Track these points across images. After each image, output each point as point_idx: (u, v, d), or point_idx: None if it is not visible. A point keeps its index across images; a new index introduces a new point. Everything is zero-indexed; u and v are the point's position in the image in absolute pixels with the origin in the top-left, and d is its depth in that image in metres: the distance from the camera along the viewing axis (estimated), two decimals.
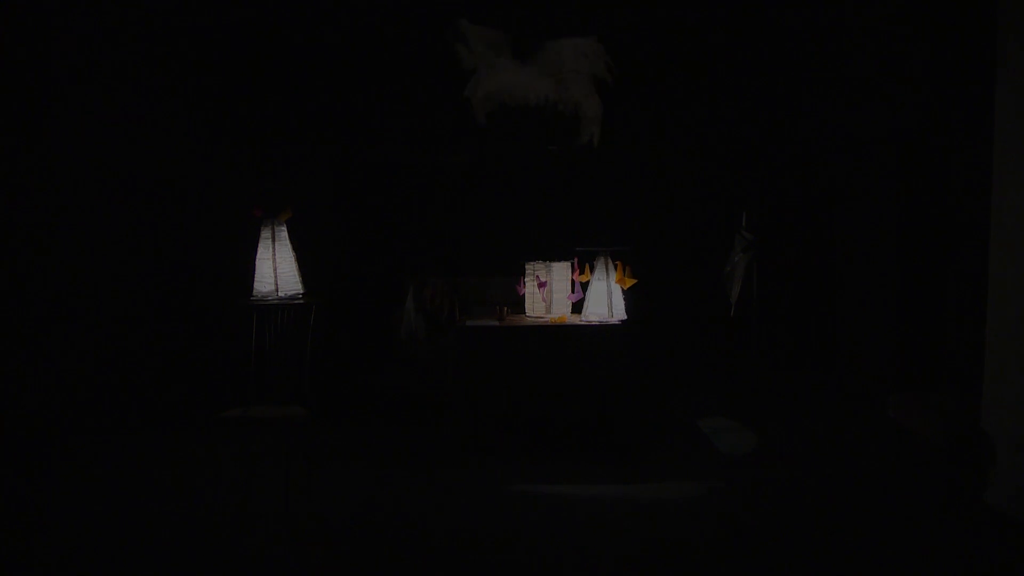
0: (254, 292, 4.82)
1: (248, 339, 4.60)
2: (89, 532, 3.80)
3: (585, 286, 5.16)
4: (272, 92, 6.29)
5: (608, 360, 5.04)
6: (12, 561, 3.51)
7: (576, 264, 5.27)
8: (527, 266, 5.41)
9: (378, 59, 6.33)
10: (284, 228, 4.88)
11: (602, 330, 5.08)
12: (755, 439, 5.26)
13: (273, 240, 4.87)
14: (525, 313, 5.44)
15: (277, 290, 4.80)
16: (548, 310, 5.37)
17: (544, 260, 5.37)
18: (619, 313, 5.14)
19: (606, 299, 5.08)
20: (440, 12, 5.98)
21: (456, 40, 5.83)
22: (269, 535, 3.77)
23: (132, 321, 5.97)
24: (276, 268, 4.82)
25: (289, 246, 4.88)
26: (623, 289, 5.15)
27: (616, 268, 5.10)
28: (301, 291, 4.86)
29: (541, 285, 5.36)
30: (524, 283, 5.40)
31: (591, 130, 5.78)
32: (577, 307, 5.31)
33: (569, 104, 5.57)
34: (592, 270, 5.14)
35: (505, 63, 5.67)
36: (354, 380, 6.21)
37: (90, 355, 5.69)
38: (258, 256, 4.84)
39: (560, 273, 5.33)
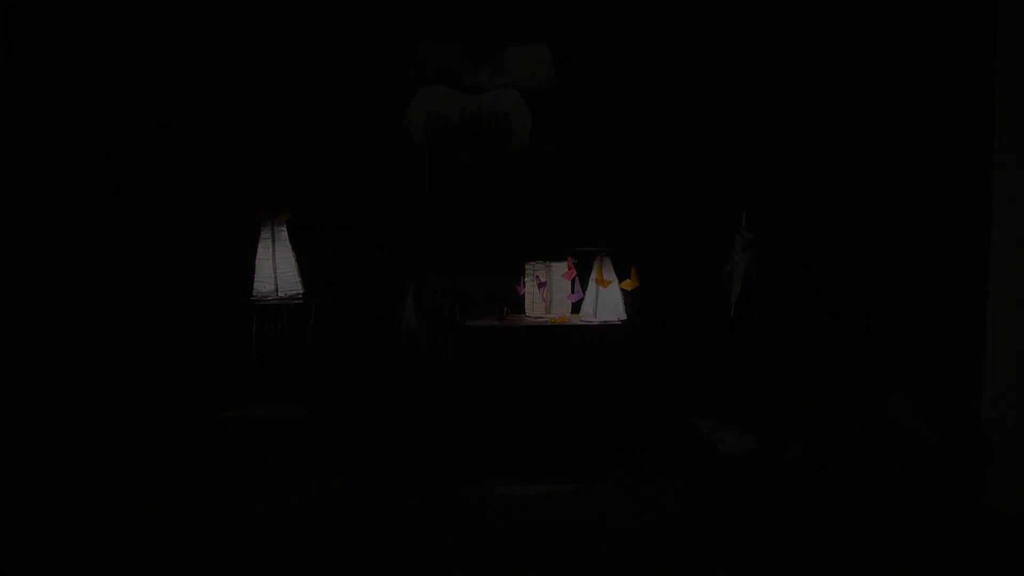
0: (254, 292, 4.83)
1: (248, 339, 4.61)
2: (89, 532, 3.80)
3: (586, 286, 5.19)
4: (272, 91, 6.28)
5: (608, 360, 5.05)
6: (12, 561, 3.51)
7: (570, 264, 5.28)
8: (527, 266, 5.42)
9: (375, 59, 6.32)
10: (284, 228, 4.89)
11: (602, 330, 5.09)
12: (755, 439, 5.26)
13: (273, 240, 4.88)
14: (525, 313, 5.44)
15: (277, 290, 4.80)
16: (548, 310, 5.37)
17: (544, 260, 5.38)
18: (618, 313, 5.15)
19: (593, 300, 5.13)
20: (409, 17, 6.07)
21: (404, 55, 5.97)
22: (269, 535, 3.76)
23: (132, 321, 5.96)
24: (276, 268, 4.83)
25: (289, 246, 4.88)
26: (626, 290, 5.16)
27: (597, 269, 5.14)
28: (301, 291, 4.87)
29: (541, 285, 5.36)
30: (524, 283, 5.41)
31: (521, 139, 5.89)
32: (577, 307, 5.33)
33: (501, 116, 5.72)
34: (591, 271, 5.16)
35: (443, 88, 5.83)
36: (354, 380, 6.21)
37: (90, 355, 5.69)
38: (258, 256, 4.84)
39: (560, 273, 5.34)
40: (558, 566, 3.47)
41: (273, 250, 4.86)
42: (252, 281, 4.84)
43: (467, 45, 6.08)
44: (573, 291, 5.34)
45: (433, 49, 6.05)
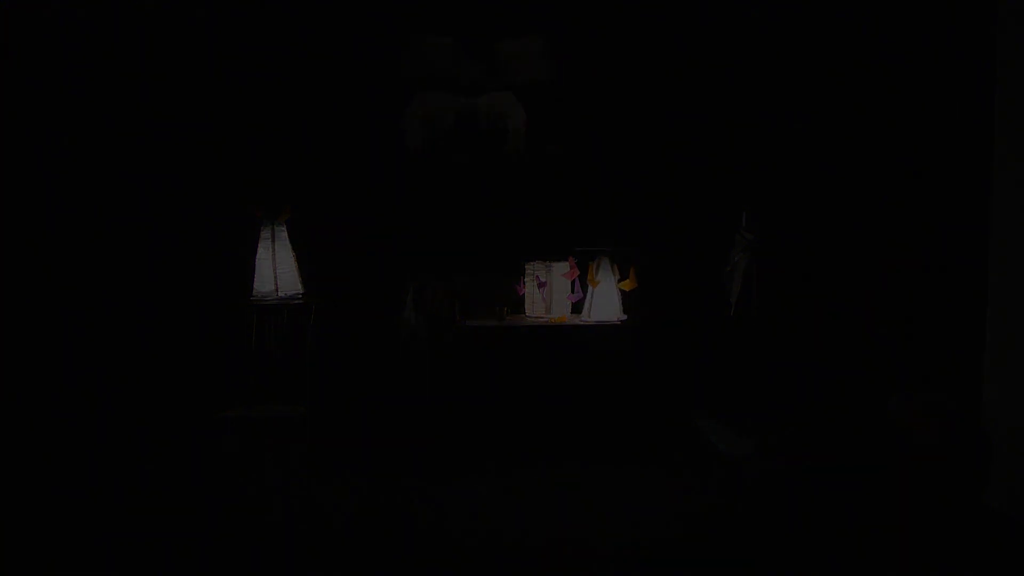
0: (254, 292, 4.83)
1: (248, 339, 4.61)
2: (88, 532, 3.80)
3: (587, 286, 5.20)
4: (272, 91, 6.28)
5: (607, 360, 5.06)
6: (11, 561, 3.51)
7: (572, 264, 5.29)
8: (527, 266, 5.42)
9: (375, 58, 6.33)
10: (284, 228, 4.89)
11: (601, 330, 5.10)
12: (755, 439, 5.26)
13: (273, 240, 4.89)
14: (525, 313, 5.44)
15: (277, 290, 4.81)
16: (548, 310, 5.37)
17: (544, 260, 5.38)
18: (618, 313, 5.16)
19: (592, 300, 5.15)
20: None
21: (403, 53, 5.99)
22: (269, 535, 3.76)
23: (132, 321, 5.96)
24: (276, 268, 4.83)
25: (289, 246, 4.89)
26: (625, 291, 5.17)
27: (591, 270, 5.17)
28: (301, 291, 4.87)
29: (541, 285, 5.36)
30: (524, 283, 5.41)
31: (517, 140, 5.91)
32: (578, 307, 5.33)
33: (497, 117, 5.76)
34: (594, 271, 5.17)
35: (439, 92, 5.86)
36: (354, 380, 6.21)
37: (90, 355, 5.69)
38: (258, 256, 4.84)
39: (561, 273, 5.35)
40: (557, 565, 3.47)
41: (273, 250, 4.87)
42: (252, 281, 4.84)
43: (465, 43, 6.08)
44: (573, 291, 5.34)
45: (432, 48, 6.05)
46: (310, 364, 4.44)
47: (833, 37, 6.13)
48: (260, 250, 4.83)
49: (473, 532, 3.81)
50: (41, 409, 5.37)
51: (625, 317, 5.17)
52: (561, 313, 5.35)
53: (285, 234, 4.86)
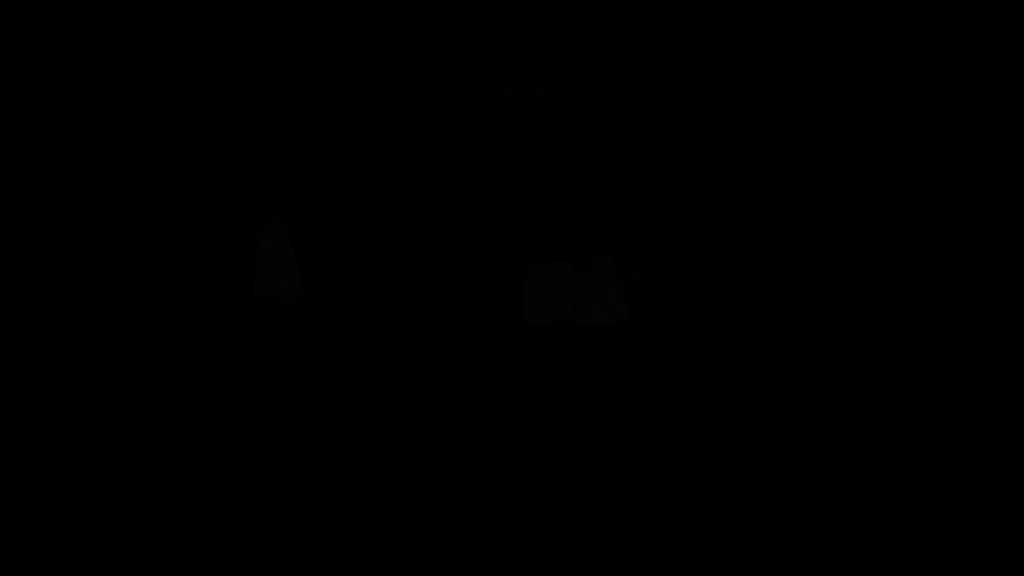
0: (254, 292, 4.84)
1: (248, 339, 4.61)
2: (86, 532, 3.80)
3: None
4: (274, 87, 6.28)
5: (607, 360, 5.06)
6: (9, 560, 3.51)
7: (583, 262, 5.30)
8: (527, 266, 5.42)
9: (377, 54, 6.33)
10: (284, 228, 4.90)
11: (601, 331, 5.09)
12: (753, 438, 5.26)
13: (273, 240, 4.89)
14: (525, 313, 5.43)
15: (277, 290, 4.81)
16: (549, 310, 5.37)
17: (545, 260, 5.38)
18: (619, 314, 5.16)
19: (591, 300, 5.14)
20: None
21: (463, 59, 5.96)
22: (269, 535, 3.76)
23: (130, 320, 5.96)
24: (276, 268, 4.84)
25: (289, 246, 4.89)
26: (626, 290, 5.17)
27: (588, 269, 5.18)
28: (301, 291, 4.87)
29: (543, 285, 5.36)
30: (524, 283, 5.41)
31: (586, 144, 5.90)
32: (580, 307, 5.33)
33: (565, 118, 5.74)
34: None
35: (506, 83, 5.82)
36: (354, 380, 6.20)
37: (88, 354, 5.69)
38: (258, 256, 4.85)
39: (562, 272, 5.35)
40: (557, 563, 3.46)
41: (273, 250, 4.87)
42: (252, 281, 4.84)
43: (466, 43, 6.06)
44: (575, 291, 5.34)
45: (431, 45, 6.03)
46: (310, 364, 4.44)
47: (834, 35, 6.13)
48: (260, 250, 4.83)
49: (472, 531, 3.80)
50: (40, 408, 5.37)
51: (625, 317, 5.17)
52: (563, 313, 5.35)
53: (285, 234, 4.86)
